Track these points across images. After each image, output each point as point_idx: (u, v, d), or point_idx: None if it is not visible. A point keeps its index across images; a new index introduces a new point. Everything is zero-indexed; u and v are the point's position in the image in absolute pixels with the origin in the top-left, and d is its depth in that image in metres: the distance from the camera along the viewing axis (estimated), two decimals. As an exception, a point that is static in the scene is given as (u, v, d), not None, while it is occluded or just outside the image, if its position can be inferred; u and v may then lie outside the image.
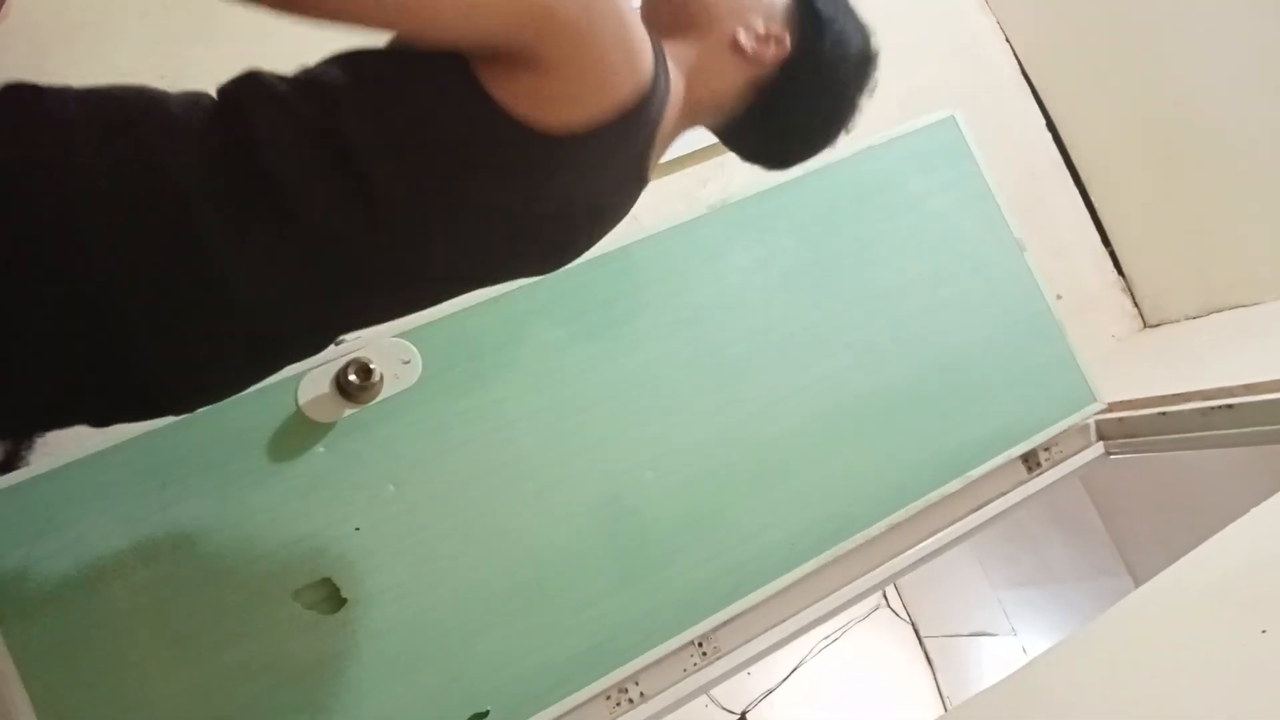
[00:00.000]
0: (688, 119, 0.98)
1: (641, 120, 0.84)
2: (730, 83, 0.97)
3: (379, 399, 1.38)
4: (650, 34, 0.84)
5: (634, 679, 1.45)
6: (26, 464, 1.14)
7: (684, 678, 1.48)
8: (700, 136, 1.06)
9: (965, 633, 3.78)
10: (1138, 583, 2.55)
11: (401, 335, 1.42)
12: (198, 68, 1.62)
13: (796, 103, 1.01)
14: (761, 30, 0.95)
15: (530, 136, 0.78)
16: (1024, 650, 3.43)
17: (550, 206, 0.89)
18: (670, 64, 0.90)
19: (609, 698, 1.44)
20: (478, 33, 0.75)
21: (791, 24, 0.97)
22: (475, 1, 0.73)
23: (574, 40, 0.76)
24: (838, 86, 1.03)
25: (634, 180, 0.96)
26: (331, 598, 1.32)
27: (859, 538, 1.58)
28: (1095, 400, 1.79)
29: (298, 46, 1.73)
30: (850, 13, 1.03)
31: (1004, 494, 1.73)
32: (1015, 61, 2.28)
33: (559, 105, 0.78)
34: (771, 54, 0.96)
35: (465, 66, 0.77)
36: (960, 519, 1.69)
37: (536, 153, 0.80)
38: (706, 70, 0.96)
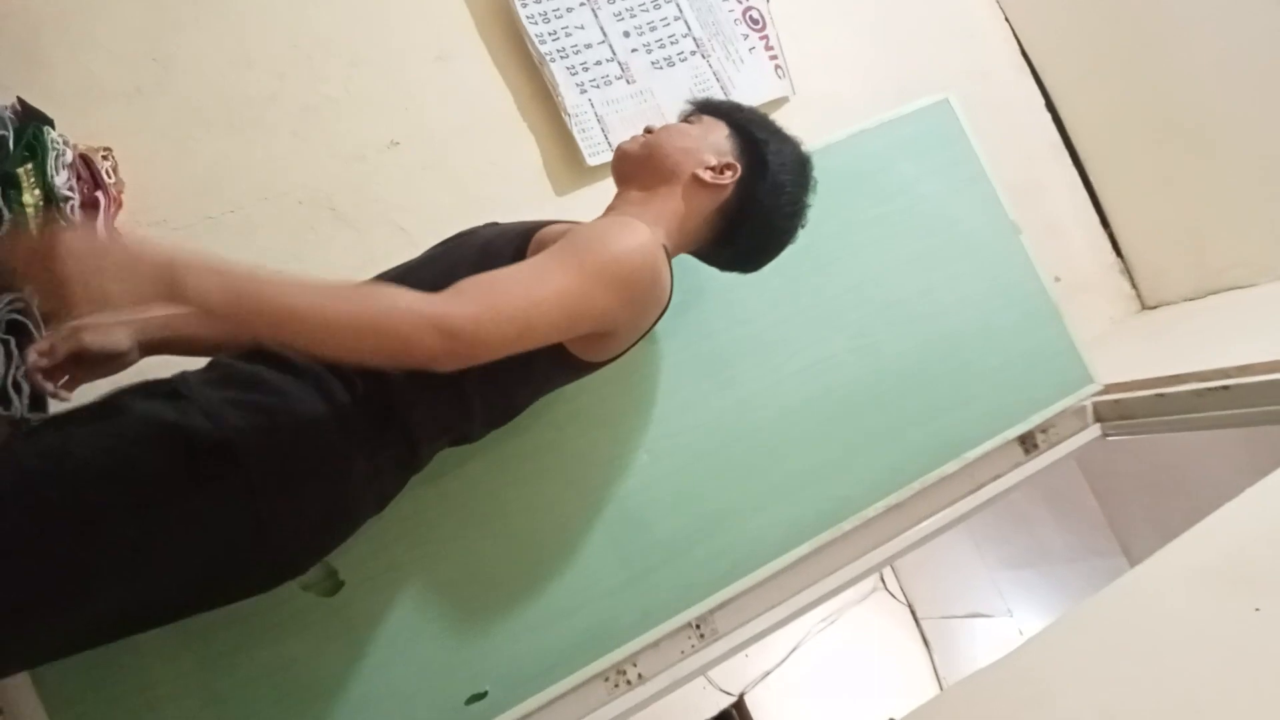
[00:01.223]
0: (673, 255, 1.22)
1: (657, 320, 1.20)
2: (701, 214, 1.22)
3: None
4: (629, 193, 1.23)
5: (632, 660, 1.46)
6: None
7: (682, 659, 1.49)
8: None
9: (961, 614, 3.80)
10: (1133, 563, 2.56)
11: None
12: (191, 51, 1.61)
13: (756, 215, 1.24)
14: (714, 163, 1.21)
15: (595, 366, 1.19)
16: (1020, 631, 3.45)
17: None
18: (661, 232, 1.16)
19: (607, 679, 1.44)
20: (576, 333, 1.07)
21: (735, 151, 1.23)
22: (575, 325, 1.04)
23: (637, 319, 1.13)
24: (785, 190, 1.24)
25: None
26: (330, 579, 1.32)
27: (856, 520, 1.58)
28: (1092, 382, 1.79)
29: (292, 31, 1.73)
30: (778, 131, 1.27)
31: (1000, 476, 1.74)
32: (1015, 42, 2.27)
33: (620, 345, 1.17)
34: (728, 179, 1.21)
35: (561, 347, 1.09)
36: (957, 501, 1.69)
37: (584, 371, 1.21)
38: (681, 209, 1.21)
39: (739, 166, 1.22)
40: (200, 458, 0.92)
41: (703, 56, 1.91)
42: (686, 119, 1.31)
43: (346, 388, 1.02)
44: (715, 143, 1.23)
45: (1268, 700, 0.75)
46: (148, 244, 0.83)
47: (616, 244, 1.04)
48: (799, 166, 1.26)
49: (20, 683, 1.18)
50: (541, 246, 1.08)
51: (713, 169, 1.21)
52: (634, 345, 1.20)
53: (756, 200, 1.22)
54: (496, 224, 1.28)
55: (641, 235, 1.07)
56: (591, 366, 1.18)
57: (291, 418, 0.98)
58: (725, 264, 1.36)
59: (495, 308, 0.93)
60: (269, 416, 0.97)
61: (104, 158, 1.41)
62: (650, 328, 1.20)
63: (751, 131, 1.24)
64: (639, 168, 1.23)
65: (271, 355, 1.02)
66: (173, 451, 0.91)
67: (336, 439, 1.01)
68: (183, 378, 1.00)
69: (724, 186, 1.21)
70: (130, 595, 0.92)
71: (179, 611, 1.01)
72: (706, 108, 1.31)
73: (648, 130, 1.27)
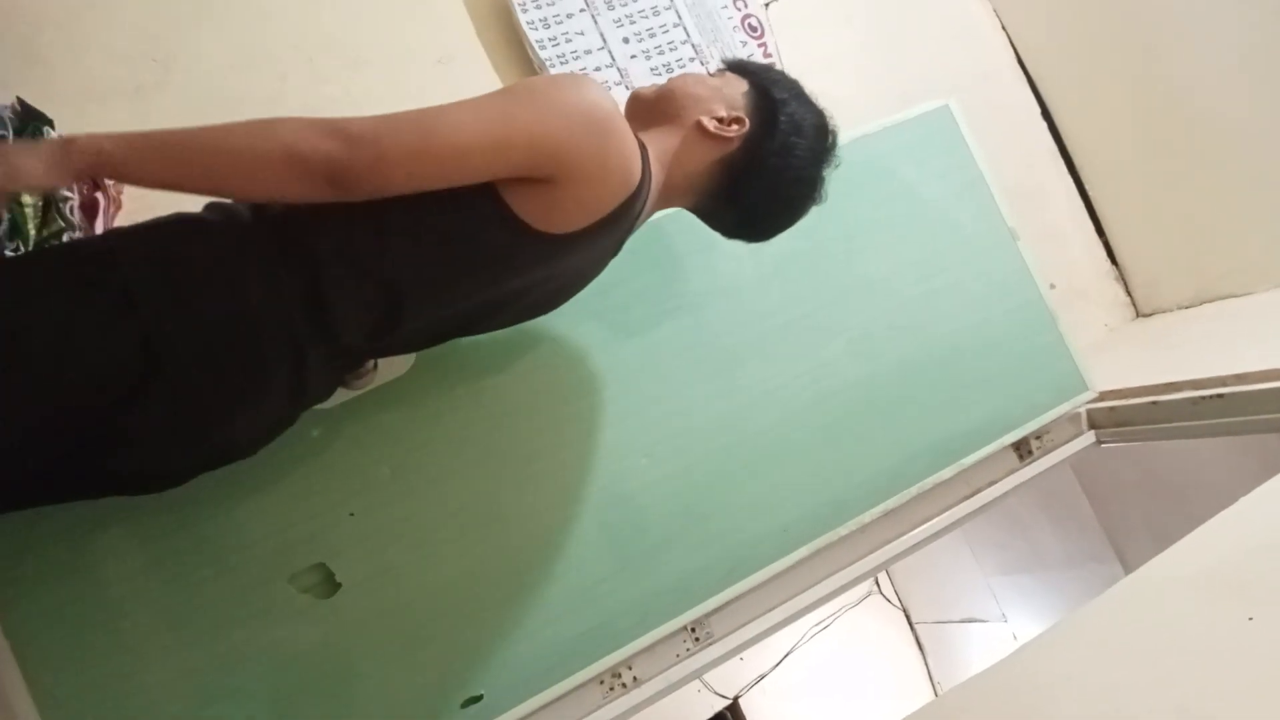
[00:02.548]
0: (665, 201, 1.19)
1: (628, 215, 1.06)
2: (701, 162, 1.16)
3: (374, 384, 1.38)
4: (634, 132, 1.04)
5: (627, 664, 1.46)
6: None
7: (677, 663, 1.49)
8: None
9: (956, 619, 3.80)
10: (1127, 570, 2.57)
11: (396, 321, 1.41)
12: (192, 51, 1.61)
13: (762, 174, 1.18)
14: (723, 114, 1.15)
15: (543, 239, 1.01)
16: (1014, 636, 3.46)
17: (550, 284, 1.15)
18: (650, 154, 1.09)
19: (602, 682, 1.44)
20: (506, 169, 0.96)
21: (750, 108, 1.17)
22: (500, 146, 0.94)
23: (584, 164, 0.98)
24: (796, 158, 1.18)
25: (613, 254, 1.22)
26: (326, 582, 1.32)
27: (851, 525, 1.58)
28: (1087, 389, 1.79)
29: (293, 33, 1.73)
30: (804, 96, 1.21)
31: (996, 482, 1.74)
32: (1011, 49, 2.28)
33: (568, 214, 1.01)
34: (734, 131, 1.15)
35: (495, 192, 0.97)
36: (952, 506, 1.70)
37: (546, 250, 1.03)
38: (681, 154, 1.15)
39: (748, 122, 1.15)
40: (82, 264, 0.91)
41: (701, 63, 1.92)
42: (712, 75, 1.24)
43: (253, 209, 0.97)
44: (730, 96, 1.18)
45: (1260, 711, 0.76)
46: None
47: (560, 83, 1.01)
48: (816, 133, 1.20)
49: (14, 683, 1.17)
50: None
51: (720, 120, 1.15)
52: (598, 228, 1.04)
53: (763, 159, 1.17)
54: None
55: (597, 92, 1.00)
56: (543, 240, 1.01)
57: (182, 226, 0.96)
58: (729, 228, 1.28)
59: (395, 125, 0.90)
60: (157, 227, 0.96)
61: (103, 158, 1.41)
62: (617, 214, 1.04)
63: (770, 90, 1.18)
64: (647, 108, 1.18)
65: None
66: (57, 262, 0.93)
67: (231, 253, 0.95)
68: None
69: (728, 139, 1.15)
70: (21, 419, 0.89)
71: (78, 452, 0.93)
72: (735, 65, 1.25)
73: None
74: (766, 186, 1.20)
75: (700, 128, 1.14)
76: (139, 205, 1.49)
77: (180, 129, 0.88)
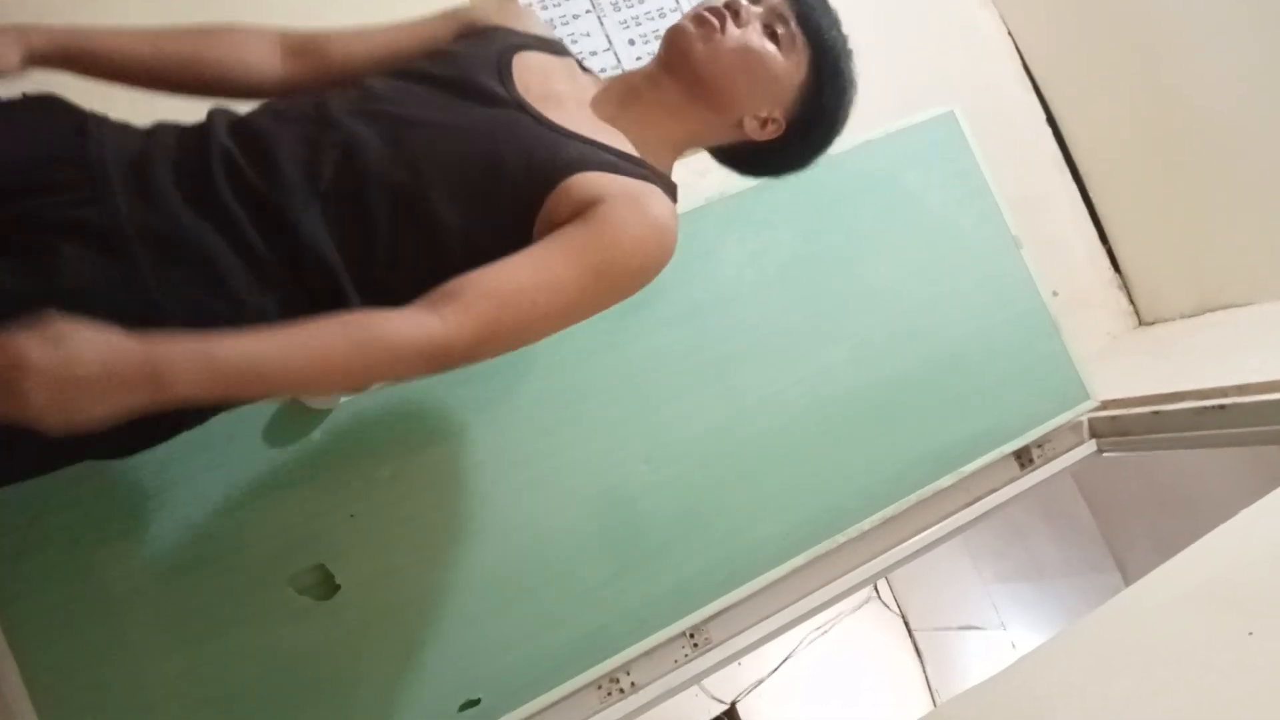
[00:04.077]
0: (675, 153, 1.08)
1: None
2: (722, 139, 1.10)
3: (375, 385, 1.38)
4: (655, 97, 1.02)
5: (625, 669, 1.46)
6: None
7: (675, 668, 1.49)
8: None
9: (955, 626, 3.80)
10: (1127, 580, 2.57)
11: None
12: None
13: (773, 160, 1.14)
14: (765, 114, 1.05)
15: None
16: (1013, 645, 3.45)
17: None
18: (683, 139, 1.06)
19: (600, 687, 1.44)
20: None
21: (792, 105, 1.06)
22: (576, 320, 0.93)
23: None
24: (805, 159, 1.14)
25: None
26: (325, 583, 1.32)
27: (851, 531, 1.58)
28: (1089, 398, 1.79)
29: (301, 21, 1.72)
30: (846, 92, 1.11)
31: (996, 490, 1.74)
32: (1017, 56, 2.28)
33: None
34: (768, 133, 1.07)
35: None
36: (952, 514, 1.70)
37: None
38: (710, 137, 1.09)
39: (783, 124, 1.07)
40: None
41: (707, 66, 1.92)
42: (786, 25, 1.04)
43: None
44: (783, 92, 1.05)
45: (1260, 724, 0.75)
46: (115, 340, 0.71)
47: (644, 252, 0.94)
48: (831, 138, 1.13)
49: (13, 683, 1.17)
50: (570, 205, 0.91)
51: (760, 120, 1.05)
52: None
53: (779, 154, 1.11)
54: (520, 54, 1.02)
55: (670, 225, 0.95)
56: None
57: None
58: (732, 165, 1.19)
59: (495, 332, 0.87)
60: None
61: (107, 157, 1.41)
62: None
63: (822, 99, 1.07)
64: (697, 77, 1.00)
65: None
66: None
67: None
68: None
69: (755, 138, 1.07)
70: None
71: None
72: (815, 34, 1.06)
73: (731, 10, 0.99)
74: (771, 170, 1.16)
75: (739, 125, 1.05)
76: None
77: (272, 349, 0.79)
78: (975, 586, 3.49)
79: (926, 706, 3.97)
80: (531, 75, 0.99)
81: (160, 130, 0.95)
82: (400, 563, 1.36)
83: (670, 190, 1.00)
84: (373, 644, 1.32)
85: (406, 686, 1.33)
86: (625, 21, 1.88)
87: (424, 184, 0.89)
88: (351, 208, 0.89)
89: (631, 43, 1.88)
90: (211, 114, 0.94)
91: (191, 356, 0.74)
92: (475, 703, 1.35)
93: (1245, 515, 1.13)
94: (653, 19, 1.90)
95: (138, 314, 0.79)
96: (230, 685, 1.25)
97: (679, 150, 1.08)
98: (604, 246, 0.91)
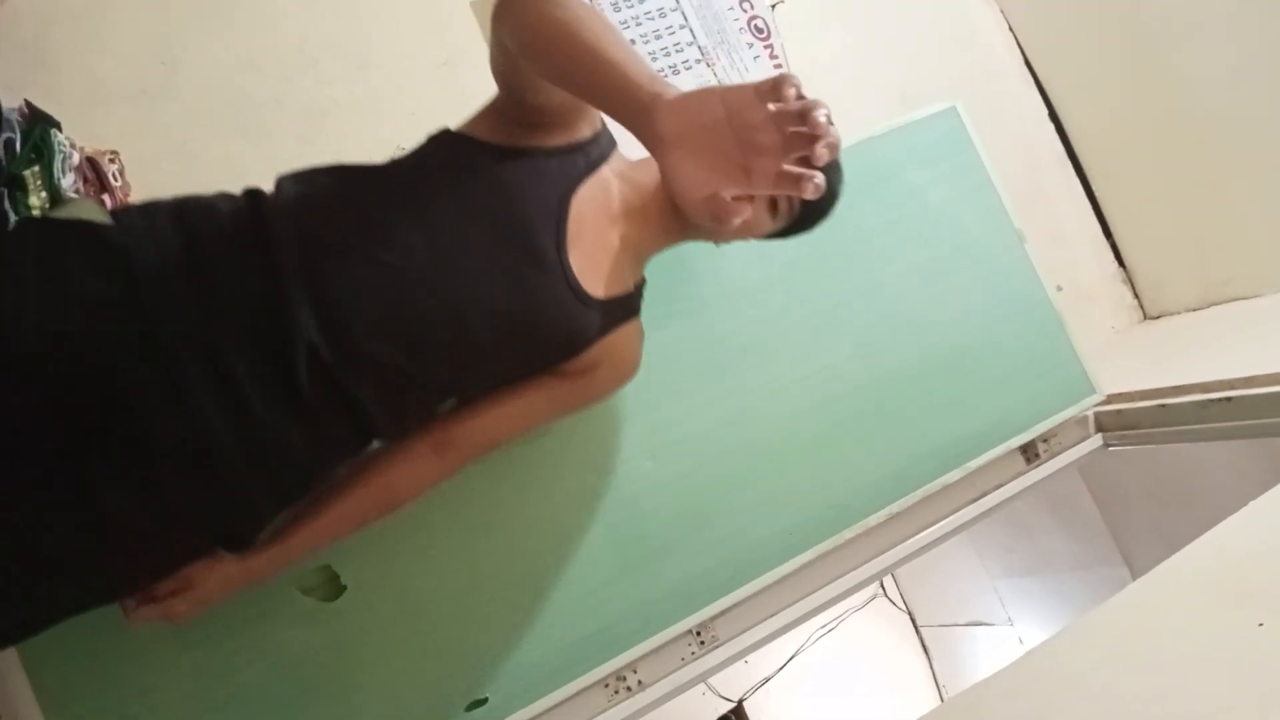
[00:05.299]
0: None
1: None
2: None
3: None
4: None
5: (632, 667, 1.45)
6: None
7: (682, 666, 1.49)
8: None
9: (962, 622, 3.79)
10: (1134, 574, 2.56)
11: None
12: (198, 54, 1.62)
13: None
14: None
15: None
16: (1020, 640, 3.45)
17: None
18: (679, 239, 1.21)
19: (607, 685, 1.44)
20: None
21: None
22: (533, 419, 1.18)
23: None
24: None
25: None
26: (331, 584, 1.32)
27: (857, 528, 1.58)
28: (1094, 392, 1.79)
29: (299, 35, 1.73)
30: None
31: (1002, 485, 1.73)
32: (1018, 51, 2.27)
33: None
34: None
35: None
36: (958, 510, 1.69)
37: None
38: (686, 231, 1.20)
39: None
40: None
41: (707, 65, 1.92)
42: (790, 200, 1.15)
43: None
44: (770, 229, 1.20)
45: (1270, 718, 0.75)
46: (229, 571, 1.05)
47: (610, 394, 1.20)
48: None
49: (18, 683, 1.18)
50: (572, 365, 1.12)
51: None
52: None
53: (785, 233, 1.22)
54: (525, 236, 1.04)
55: (636, 363, 1.21)
56: None
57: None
58: None
59: (479, 458, 1.17)
60: None
61: (111, 161, 1.41)
62: None
63: (805, 228, 1.21)
64: (698, 228, 1.16)
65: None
66: None
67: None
68: None
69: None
70: None
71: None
72: (813, 204, 1.18)
73: None
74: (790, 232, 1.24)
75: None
76: (145, 207, 1.49)
77: (315, 533, 1.10)
78: (982, 582, 3.48)
79: (934, 703, 3.97)
80: (584, 222, 1.07)
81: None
82: (406, 564, 1.36)
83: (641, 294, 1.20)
84: (379, 645, 1.32)
85: (413, 687, 1.33)
86: (625, 21, 1.88)
87: (471, 336, 1.00)
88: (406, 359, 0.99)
89: (633, 42, 1.88)
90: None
91: (266, 565, 1.07)
92: (483, 702, 1.35)
93: (1253, 507, 1.13)
94: (653, 18, 1.90)
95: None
96: (237, 686, 1.25)
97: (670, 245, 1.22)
98: (583, 400, 1.18)
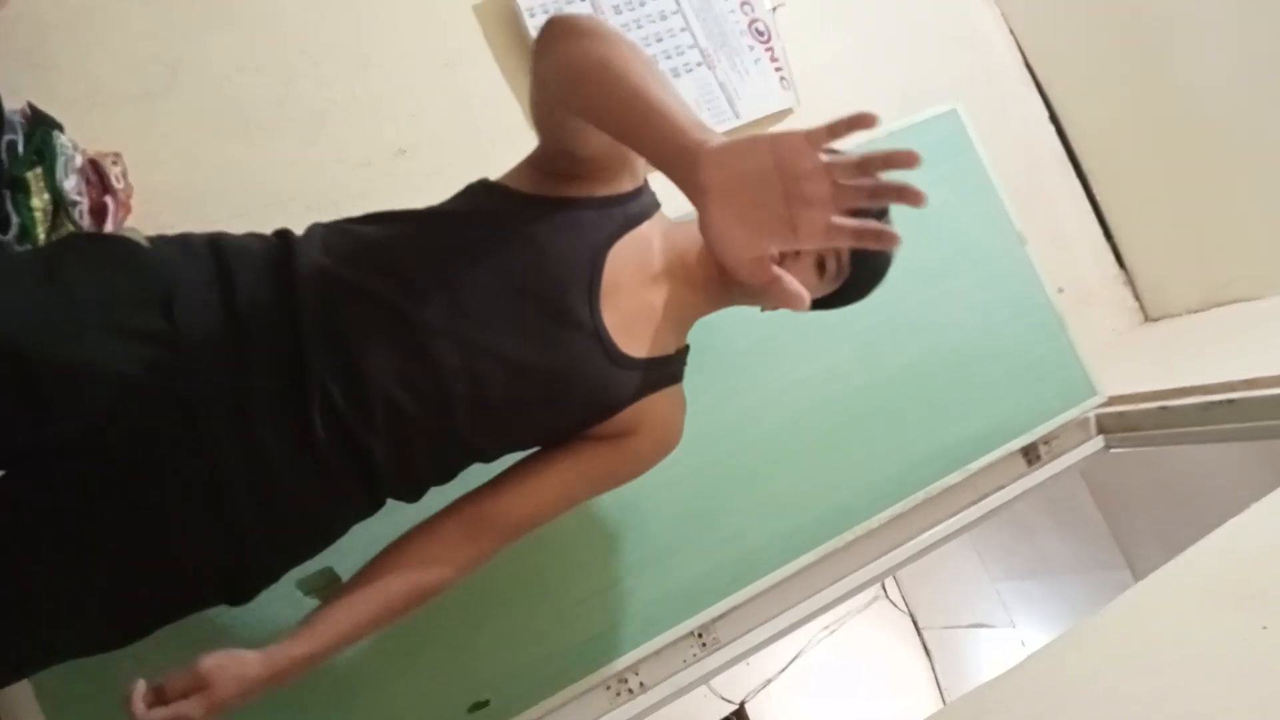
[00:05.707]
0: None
1: None
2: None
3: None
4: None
5: (634, 669, 1.45)
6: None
7: (684, 668, 1.49)
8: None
9: (963, 624, 3.79)
10: (1136, 576, 2.56)
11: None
12: (199, 56, 1.62)
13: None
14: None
15: None
16: (1022, 642, 3.44)
17: None
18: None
19: (609, 687, 1.44)
20: None
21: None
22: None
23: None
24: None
25: None
26: (333, 585, 1.31)
27: (859, 530, 1.58)
28: (1095, 394, 1.79)
29: (300, 37, 1.73)
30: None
31: (1004, 487, 1.73)
32: (1018, 53, 2.27)
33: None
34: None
35: None
36: (960, 512, 1.69)
37: None
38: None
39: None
40: None
41: (709, 68, 1.91)
42: (839, 259, 1.11)
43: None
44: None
45: None
46: (250, 664, 0.98)
47: (649, 468, 1.12)
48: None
49: (19, 687, 1.18)
50: (610, 426, 1.06)
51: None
52: None
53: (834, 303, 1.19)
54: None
55: (678, 432, 1.14)
56: None
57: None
58: None
59: (514, 535, 1.08)
60: None
61: (113, 163, 1.41)
62: None
63: (856, 295, 1.17)
64: (742, 295, 1.13)
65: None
66: None
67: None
68: None
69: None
70: None
71: None
72: (862, 262, 1.15)
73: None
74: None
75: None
76: (147, 209, 1.50)
77: (342, 620, 1.03)
78: (983, 584, 3.48)
79: (935, 705, 3.96)
80: (620, 279, 1.03)
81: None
82: (407, 565, 1.35)
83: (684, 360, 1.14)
84: (381, 646, 1.32)
85: (416, 688, 1.32)
86: (627, 24, 1.88)
87: (485, 390, 0.97)
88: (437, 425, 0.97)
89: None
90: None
91: (291, 663, 1.00)
92: (485, 704, 1.35)
93: (1256, 509, 1.12)
94: (654, 21, 1.90)
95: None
96: (239, 689, 1.25)
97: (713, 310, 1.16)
98: (622, 471, 1.10)
